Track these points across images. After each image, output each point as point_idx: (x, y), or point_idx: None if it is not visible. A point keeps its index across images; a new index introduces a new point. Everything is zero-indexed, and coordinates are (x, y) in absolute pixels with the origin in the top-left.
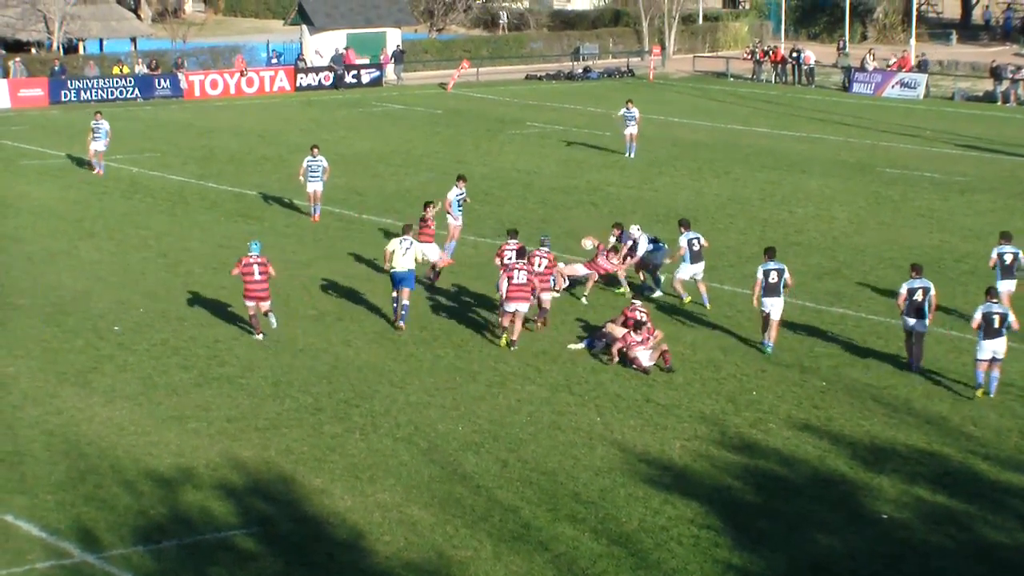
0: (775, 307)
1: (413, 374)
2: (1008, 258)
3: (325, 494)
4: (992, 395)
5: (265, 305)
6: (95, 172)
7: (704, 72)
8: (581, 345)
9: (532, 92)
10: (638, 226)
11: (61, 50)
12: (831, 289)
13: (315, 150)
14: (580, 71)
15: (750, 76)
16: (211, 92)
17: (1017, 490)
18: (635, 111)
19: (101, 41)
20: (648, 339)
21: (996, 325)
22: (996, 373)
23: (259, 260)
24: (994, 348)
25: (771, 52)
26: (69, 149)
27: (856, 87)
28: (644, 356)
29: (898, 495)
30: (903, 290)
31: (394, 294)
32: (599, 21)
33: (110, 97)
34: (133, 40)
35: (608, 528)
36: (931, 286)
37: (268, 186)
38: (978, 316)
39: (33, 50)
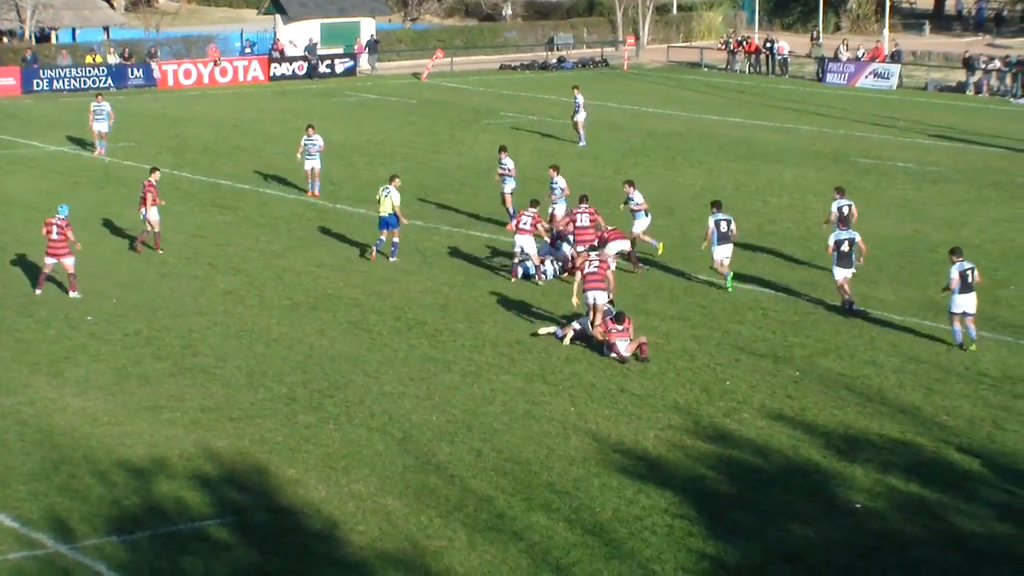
0: (728, 253)
1: (387, 364)
2: (846, 210)
3: (299, 484)
4: (975, 343)
5: (68, 263)
6: (97, 152)
7: (678, 62)
8: (551, 329)
9: (506, 82)
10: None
11: (33, 39)
12: (805, 279)
13: (311, 129)
14: (554, 61)
15: (724, 66)
16: (185, 82)
17: (990, 479)
18: (580, 98)
19: (74, 30)
20: (629, 329)
21: (969, 280)
22: (972, 324)
23: (59, 222)
24: (966, 303)
25: (745, 42)
26: (42, 139)
27: (830, 77)
28: (623, 345)
29: (872, 485)
30: (831, 241)
31: (382, 236)
32: (573, 11)
33: (83, 87)
34: (106, 29)
35: (582, 518)
36: (856, 236)
37: (242, 176)
38: (955, 275)
39: (5, 39)
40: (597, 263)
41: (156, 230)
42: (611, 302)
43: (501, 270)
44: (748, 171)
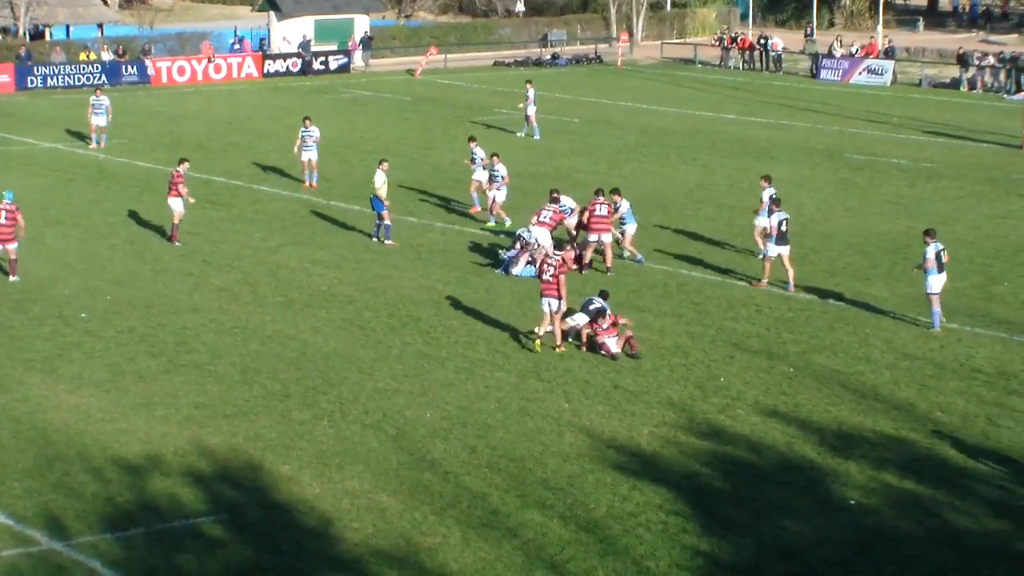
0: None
1: (381, 361)
2: (774, 196)
3: (293, 481)
4: (936, 328)
5: (12, 248)
6: (91, 147)
7: (672, 59)
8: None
9: (500, 78)
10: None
11: (27, 36)
12: (799, 275)
13: (307, 121)
14: (548, 57)
15: (718, 63)
16: (178, 78)
17: (984, 476)
18: (532, 91)
19: (68, 27)
20: (615, 326)
21: (943, 260)
22: (938, 308)
23: (7, 207)
24: (942, 282)
25: (739, 39)
26: (36, 136)
27: (824, 74)
28: (611, 342)
29: (866, 481)
30: (774, 221)
31: (377, 220)
32: (567, 8)
33: (77, 83)
34: (100, 26)
35: (576, 514)
36: (788, 216)
37: (236, 173)
38: (931, 255)
39: None
40: (552, 271)
41: (175, 221)
42: (604, 294)
43: (495, 267)
44: (742, 167)
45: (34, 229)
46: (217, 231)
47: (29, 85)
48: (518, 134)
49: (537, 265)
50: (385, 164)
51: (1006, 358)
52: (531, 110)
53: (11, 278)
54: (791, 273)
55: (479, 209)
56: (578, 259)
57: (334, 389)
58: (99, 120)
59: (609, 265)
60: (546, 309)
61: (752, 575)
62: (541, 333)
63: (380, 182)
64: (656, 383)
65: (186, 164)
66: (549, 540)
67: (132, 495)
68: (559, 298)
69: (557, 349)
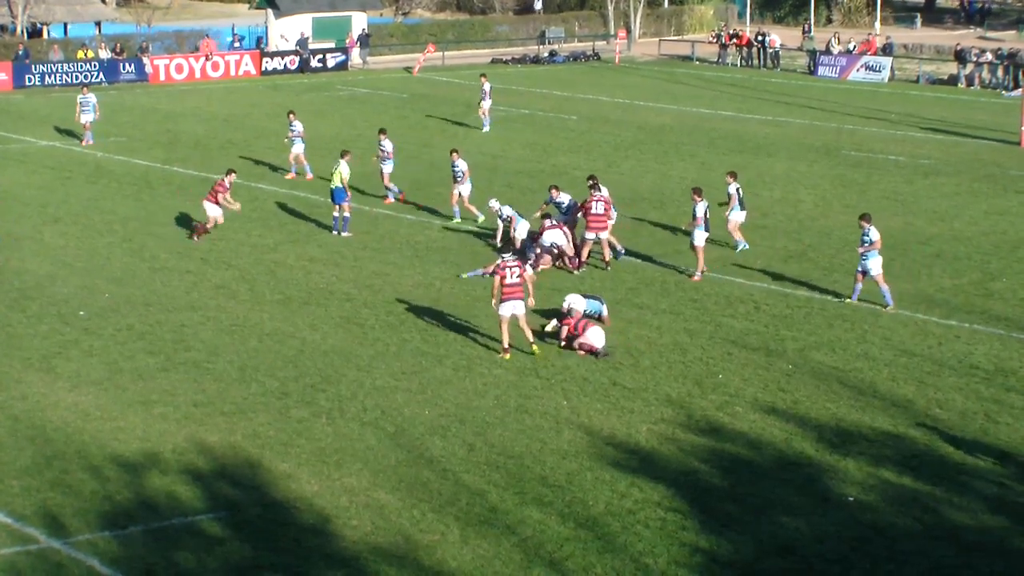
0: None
1: (379, 358)
2: (740, 192)
3: (292, 479)
4: (891, 305)
5: None
6: (83, 143)
7: (670, 56)
8: (555, 323)
9: (498, 76)
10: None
11: (25, 34)
12: (797, 272)
13: (291, 115)
14: (546, 55)
15: (715, 60)
16: (176, 76)
17: (982, 472)
18: (487, 86)
19: (65, 25)
20: (585, 324)
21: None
22: (885, 287)
23: None
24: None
25: (737, 36)
26: (33, 134)
27: (821, 70)
28: (593, 335)
29: (864, 478)
30: (701, 213)
31: (335, 213)
32: (565, 5)
33: (74, 82)
34: (98, 24)
35: (575, 511)
36: (708, 204)
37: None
38: (877, 237)
39: None
40: (518, 272)
41: (218, 223)
42: (598, 298)
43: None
44: (739, 164)
45: (32, 227)
46: (215, 229)
47: (27, 83)
48: (484, 130)
49: (492, 269)
50: (348, 155)
51: (1004, 355)
52: (486, 104)
53: None
54: (701, 259)
55: (392, 200)
56: (575, 257)
57: (332, 387)
58: (88, 117)
59: (607, 261)
60: (508, 313)
61: (750, 571)
62: (506, 343)
63: (346, 173)
64: (654, 380)
65: (233, 175)
66: (547, 537)
67: (130, 493)
68: (524, 300)
69: (533, 348)
